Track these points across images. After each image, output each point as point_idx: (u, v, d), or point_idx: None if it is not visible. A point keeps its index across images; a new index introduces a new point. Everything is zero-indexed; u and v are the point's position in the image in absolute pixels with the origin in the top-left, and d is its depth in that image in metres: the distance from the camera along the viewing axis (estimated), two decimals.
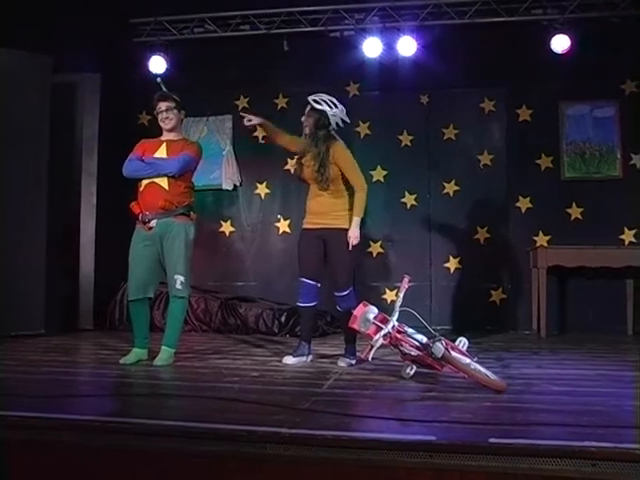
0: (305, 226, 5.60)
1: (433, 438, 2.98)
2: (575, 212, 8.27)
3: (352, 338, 5.44)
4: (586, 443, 2.90)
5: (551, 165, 8.40)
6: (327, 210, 5.48)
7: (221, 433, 3.11)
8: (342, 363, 5.38)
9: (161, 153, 5.43)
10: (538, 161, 8.41)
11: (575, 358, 5.85)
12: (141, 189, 5.39)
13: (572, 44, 7.80)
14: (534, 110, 8.47)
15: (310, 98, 5.61)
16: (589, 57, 7.89)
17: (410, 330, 4.69)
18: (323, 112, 5.55)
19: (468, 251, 8.44)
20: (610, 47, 7.81)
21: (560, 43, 7.84)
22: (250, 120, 5.69)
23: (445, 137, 8.57)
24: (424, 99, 8.62)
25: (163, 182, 5.36)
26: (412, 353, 4.64)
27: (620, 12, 7.62)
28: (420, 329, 4.76)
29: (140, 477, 3.10)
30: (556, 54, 7.89)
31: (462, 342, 4.79)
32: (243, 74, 8.77)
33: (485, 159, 8.51)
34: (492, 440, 2.95)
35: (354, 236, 5.36)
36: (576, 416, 3.48)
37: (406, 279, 4.80)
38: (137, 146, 5.53)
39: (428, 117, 8.58)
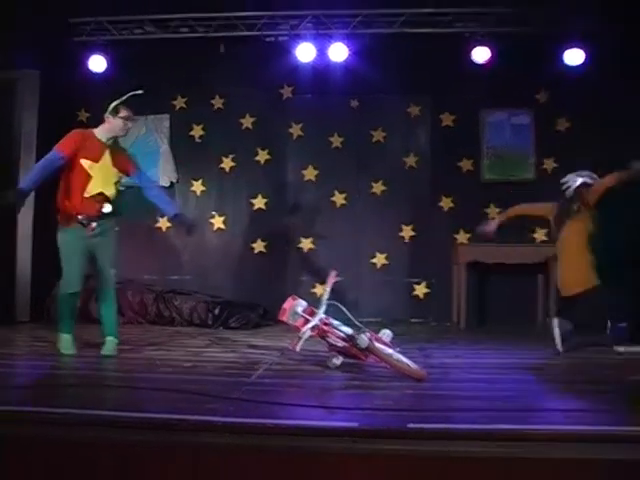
0: None
1: (356, 424, 3.02)
2: (493, 212, 8.42)
3: None
4: (497, 426, 3.00)
5: (472, 168, 8.57)
6: None
7: (155, 422, 3.08)
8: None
9: (105, 161, 5.29)
10: (460, 164, 8.57)
11: (491, 348, 6.00)
12: (87, 195, 5.21)
13: (492, 56, 7.95)
14: (456, 116, 8.61)
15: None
16: (507, 68, 8.05)
17: (336, 322, 4.72)
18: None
19: (394, 248, 8.53)
20: (526, 60, 7.97)
21: (480, 55, 7.99)
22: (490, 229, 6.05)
23: (373, 139, 8.64)
24: (354, 103, 8.66)
25: (110, 193, 5.37)
26: (338, 344, 4.68)
27: (533, 29, 7.81)
28: (346, 322, 4.80)
29: (71, 466, 3.03)
30: (477, 65, 8.03)
31: (386, 334, 4.84)
32: (181, 75, 8.66)
33: (411, 161, 8.61)
34: (411, 425, 3.00)
35: None
36: (489, 401, 3.59)
37: (333, 274, 4.84)
38: (72, 140, 5.22)
39: (358, 120, 8.63)
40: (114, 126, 5.35)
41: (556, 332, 5.41)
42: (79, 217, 5.18)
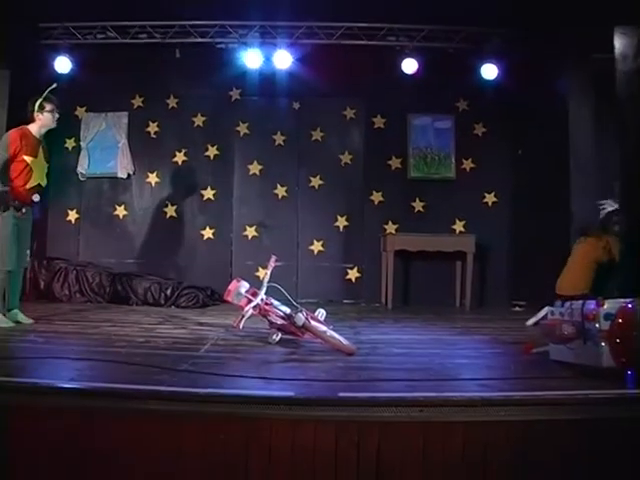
0: None
1: (292, 394, 3.03)
2: (418, 205, 8.57)
3: None
4: (416, 394, 3.05)
5: (400, 166, 8.63)
6: None
7: (106, 391, 3.03)
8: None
9: (40, 155, 5.42)
10: (389, 162, 8.63)
11: (413, 326, 6.08)
12: (28, 186, 5.31)
13: (419, 67, 7.99)
14: (387, 119, 8.66)
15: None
16: (432, 79, 8.12)
17: (276, 302, 4.73)
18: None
19: (330, 236, 8.55)
20: (449, 72, 8.06)
21: (409, 65, 8.03)
22: None
23: (313, 138, 8.63)
24: (296, 105, 8.62)
25: (44, 183, 5.49)
26: (278, 322, 4.68)
27: (455, 45, 7.92)
28: (285, 302, 4.81)
29: (29, 430, 2.96)
30: (406, 74, 8.08)
31: (320, 313, 4.88)
32: (139, 76, 8.46)
33: (346, 158, 8.63)
34: (341, 394, 3.04)
35: None
36: (410, 372, 3.65)
37: (273, 258, 4.84)
38: (17, 137, 5.30)
39: (299, 121, 8.59)
40: (45, 121, 5.43)
41: (540, 313, 5.49)
42: (15, 202, 5.24)
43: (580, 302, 3.75)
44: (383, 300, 8.05)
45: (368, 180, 8.58)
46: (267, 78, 8.24)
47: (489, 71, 7.98)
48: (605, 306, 3.58)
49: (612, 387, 3.19)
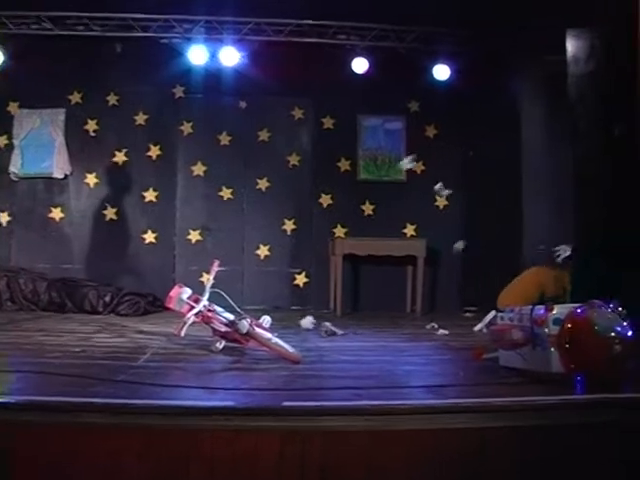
0: None
1: (232, 403, 3.00)
2: (368, 209, 8.63)
3: None
4: (362, 402, 3.06)
5: (349, 168, 8.68)
6: None
7: (37, 404, 2.94)
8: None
9: None
10: (338, 164, 8.67)
11: (362, 332, 6.10)
12: None
13: (370, 67, 8.06)
14: (336, 120, 8.69)
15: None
16: (383, 79, 8.17)
17: (219, 309, 4.70)
18: None
19: (277, 240, 8.54)
20: (400, 72, 8.15)
21: (360, 65, 8.09)
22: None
23: (259, 139, 8.60)
24: (242, 104, 8.57)
25: None
26: (221, 329, 4.64)
27: (407, 45, 8.00)
28: (229, 308, 4.77)
29: None
30: (356, 74, 8.13)
31: (266, 320, 4.87)
32: (77, 71, 8.25)
33: (294, 160, 8.63)
34: (285, 403, 3.01)
35: None
36: (357, 380, 3.66)
37: (215, 263, 4.81)
38: None
39: (245, 120, 8.54)
40: None
41: (487, 318, 5.57)
42: None
43: (529, 307, 3.82)
44: (332, 306, 8.07)
45: (317, 182, 8.61)
46: (212, 75, 8.17)
47: (441, 72, 8.11)
48: (554, 311, 3.66)
49: (561, 393, 3.25)
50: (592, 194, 5.03)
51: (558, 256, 5.80)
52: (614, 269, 4.51)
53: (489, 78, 7.83)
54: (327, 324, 5.96)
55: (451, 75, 8.10)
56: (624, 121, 4.58)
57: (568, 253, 5.62)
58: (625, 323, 3.44)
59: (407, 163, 6.81)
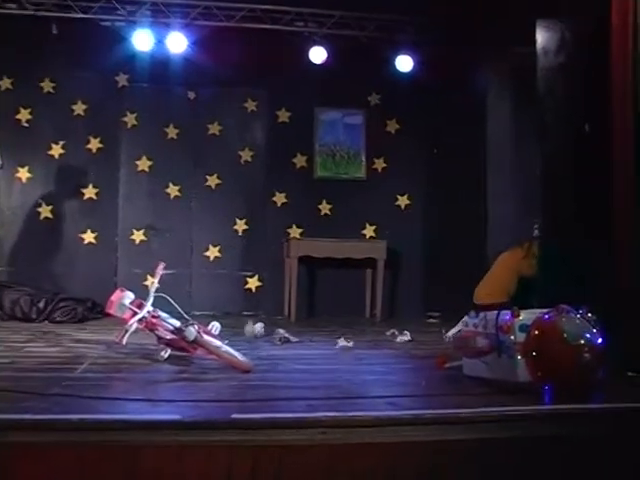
0: None
1: (178, 417, 2.96)
2: (325, 208, 8.65)
3: None
4: (318, 414, 3.04)
5: (305, 164, 8.69)
6: None
7: None
8: None
9: None
10: (294, 160, 8.67)
11: (318, 339, 6.12)
12: None
13: (328, 57, 8.06)
14: (292, 113, 8.69)
15: None
16: (342, 70, 8.20)
17: (165, 315, 4.65)
18: None
19: (227, 241, 8.49)
20: (360, 63, 8.19)
21: (318, 54, 8.08)
22: None
23: (209, 132, 8.54)
24: (191, 94, 8.50)
25: None
26: (167, 337, 4.60)
27: (368, 34, 8.04)
28: (176, 314, 4.72)
29: None
30: (314, 64, 8.13)
31: (215, 326, 4.85)
32: (8, 54, 8.04)
33: (246, 155, 8.60)
34: (235, 416, 2.99)
35: None
36: (313, 390, 3.67)
37: (161, 265, 4.77)
38: None
39: (194, 112, 8.48)
40: None
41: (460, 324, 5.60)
42: None
43: (494, 313, 3.86)
44: (286, 312, 8.07)
45: (270, 180, 8.59)
46: (159, 63, 8.07)
47: (404, 63, 8.17)
48: (520, 317, 3.71)
49: (529, 403, 3.29)
50: (559, 193, 5.12)
51: (536, 228, 5.90)
52: (580, 271, 4.59)
53: (454, 70, 7.93)
54: (281, 331, 5.95)
55: (414, 67, 8.17)
56: (595, 117, 4.67)
57: None
58: (595, 330, 3.50)
59: None
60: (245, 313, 8.24)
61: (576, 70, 5.05)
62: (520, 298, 5.43)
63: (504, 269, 5.94)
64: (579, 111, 4.91)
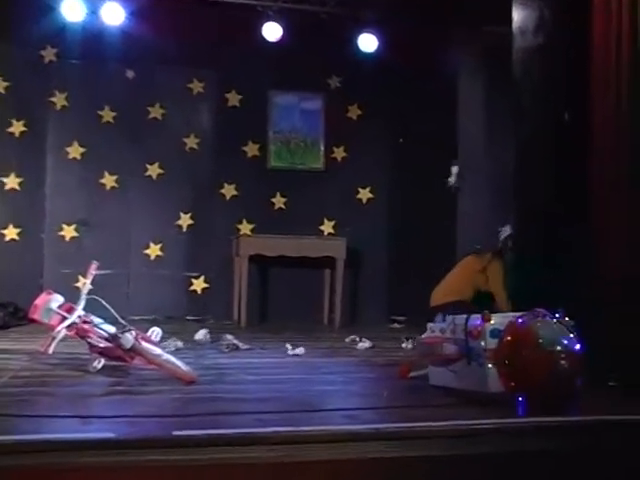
0: None
1: (111, 435, 2.92)
2: (279, 201, 8.65)
3: None
4: (268, 429, 3.05)
5: (258, 153, 8.70)
6: None
7: None
8: None
9: None
10: (245, 148, 8.66)
11: (270, 347, 6.13)
12: None
13: (284, 34, 8.03)
14: (244, 96, 8.69)
15: None
16: (300, 49, 8.23)
17: (98, 320, 4.59)
18: None
19: (170, 238, 8.47)
20: (319, 42, 8.20)
21: (272, 31, 8.04)
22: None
23: (150, 116, 8.49)
24: (130, 74, 8.43)
25: None
26: (100, 345, 4.55)
27: (328, 9, 8.04)
28: (111, 319, 4.67)
29: None
30: (268, 42, 8.09)
31: (155, 332, 4.82)
32: None
33: (192, 142, 8.57)
34: (176, 433, 2.96)
35: None
36: (263, 403, 3.68)
37: (93, 265, 4.72)
38: None
39: (133, 93, 8.42)
40: None
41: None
42: None
43: (464, 317, 3.89)
44: (235, 316, 8.06)
45: (219, 170, 8.57)
46: (92, 37, 7.96)
47: (367, 43, 8.20)
48: (492, 321, 3.75)
49: (500, 416, 3.33)
50: (535, 181, 5.19)
51: (500, 233, 6.02)
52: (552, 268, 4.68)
53: (423, 51, 8.00)
54: (229, 337, 5.94)
55: (379, 47, 8.21)
56: (575, 101, 4.74)
57: (508, 232, 5.84)
58: (572, 335, 3.55)
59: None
60: (190, 317, 8.23)
61: (555, 51, 5.11)
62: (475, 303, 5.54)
63: (461, 274, 6.07)
64: (558, 95, 4.98)
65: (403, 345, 6.20)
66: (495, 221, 6.55)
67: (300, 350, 5.67)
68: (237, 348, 5.82)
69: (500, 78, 6.27)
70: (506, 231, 5.92)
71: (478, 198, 7.40)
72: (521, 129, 5.43)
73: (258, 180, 8.59)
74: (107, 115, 8.40)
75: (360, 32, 8.17)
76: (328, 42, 8.21)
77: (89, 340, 4.59)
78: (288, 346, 5.72)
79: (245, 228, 8.51)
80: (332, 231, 8.68)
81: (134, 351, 4.37)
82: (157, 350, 4.47)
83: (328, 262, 8.15)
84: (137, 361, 4.49)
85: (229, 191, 8.59)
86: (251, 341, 6.22)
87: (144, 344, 4.45)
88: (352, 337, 6.47)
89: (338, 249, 7.98)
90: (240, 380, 4.50)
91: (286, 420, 3.23)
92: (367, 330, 6.94)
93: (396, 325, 7.93)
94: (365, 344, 6.16)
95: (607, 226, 4.48)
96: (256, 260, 7.98)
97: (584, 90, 4.63)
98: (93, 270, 4.70)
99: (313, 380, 4.56)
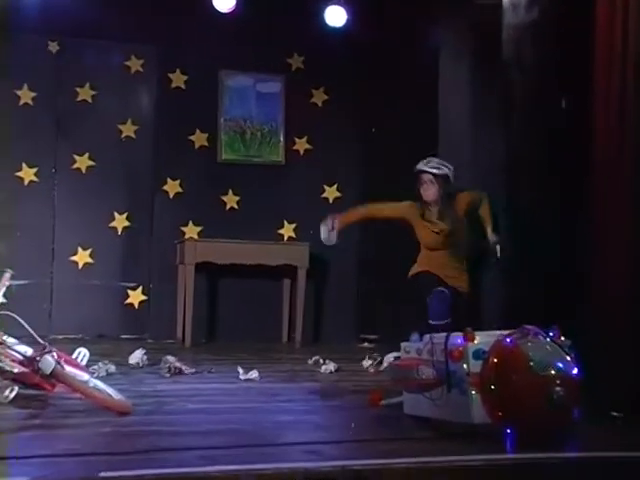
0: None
1: (25, 478, 2.87)
2: (231, 200, 8.62)
3: None
4: (214, 468, 3.03)
5: (207, 144, 8.67)
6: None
7: None
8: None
9: None
10: (192, 137, 8.63)
11: (220, 370, 6.11)
12: None
13: (238, 5, 7.98)
14: (190, 77, 8.66)
15: (426, 168, 5.88)
16: (256, 22, 8.26)
17: (12, 340, 4.50)
18: (446, 177, 5.83)
19: (102, 242, 8.40)
20: (278, 14, 8.24)
21: (224, 1, 8.00)
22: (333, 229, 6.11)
23: (79, 98, 8.42)
24: (53, 47, 8.36)
25: None
26: (14, 370, 4.45)
27: None
28: (28, 339, 4.58)
29: None
30: (219, 14, 8.04)
31: (82, 354, 4.74)
32: None
33: (128, 130, 8.53)
34: (104, 474, 2.93)
35: None
36: (209, 437, 3.67)
37: (6, 274, 4.66)
38: None
39: (58, 71, 8.36)
40: None
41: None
42: None
43: (442, 336, 3.89)
44: (179, 334, 8.05)
45: (161, 163, 8.56)
46: (7, 3, 7.84)
47: (335, 16, 8.18)
48: (475, 341, 3.74)
49: (485, 451, 3.33)
50: (526, 180, 5.22)
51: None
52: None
53: (397, 27, 8.00)
54: (171, 359, 5.89)
55: (348, 20, 8.19)
56: (573, 88, 4.77)
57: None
58: (569, 357, 3.56)
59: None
60: (124, 336, 8.19)
61: (551, 29, 5.15)
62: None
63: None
64: (553, 79, 5.01)
65: (364, 363, 6.27)
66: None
67: (254, 374, 5.64)
68: (180, 372, 5.77)
69: (487, 59, 6.31)
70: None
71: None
72: (511, 117, 5.46)
73: (207, 175, 8.58)
74: (25, 96, 8.31)
75: (326, 4, 8.16)
76: (289, 15, 8.25)
77: (0, 364, 4.52)
78: (240, 369, 5.70)
79: (191, 231, 8.48)
80: (293, 235, 8.67)
81: (55, 377, 4.27)
82: (84, 376, 4.41)
83: (288, 271, 8.17)
84: (59, 389, 4.42)
85: (173, 188, 8.55)
86: (197, 364, 6.20)
87: (68, 368, 4.37)
88: (315, 358, 6.48)
89: (300, 256, 7.97)
90: (183, 410, 4.47)
91: (236, 457, 3.22)
92: (333, 350, 6.95)
93: (366, 344, 7.93)
94: (330, 367, 6.16)
95: (610, 231, 4.50)
96: (204, 268, 7.97)
97: (584, 73, 4.65)
98: (6, 281, 4.63)
99: (269, 409, 4.55)
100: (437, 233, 5.86)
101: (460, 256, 5.88)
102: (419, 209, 5.98)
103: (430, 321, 5.54)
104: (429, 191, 5.89)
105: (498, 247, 5.70)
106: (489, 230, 5.71)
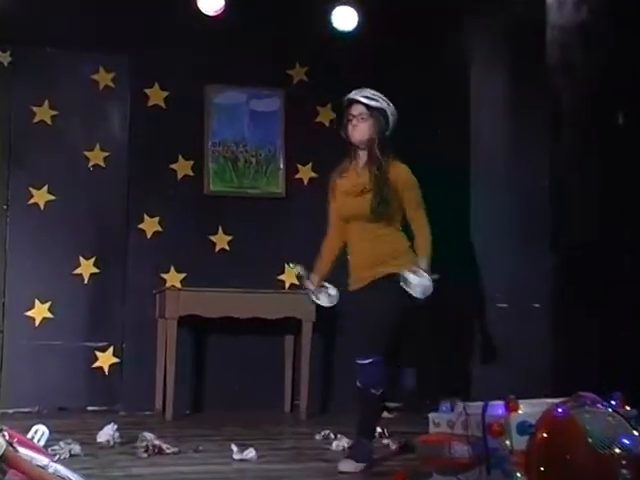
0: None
1: None
2: (221, 241, 8.61)
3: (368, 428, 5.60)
4: None
5: (192, 173, 8.69)
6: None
7: None
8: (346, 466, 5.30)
9: None
10: (173, 166, 8.65)
11: (208, 449, 6.05)
12: None
13: (227, 6, 8.05)
14: (170, 92, 8.69)
15: (358, 97, 5.68)
16: (250, 27, 8.34)
17: None
18: (384, 112, 5.70)
19: (65, 293, 8.40)
20: (277, 18, 8.33)
21: (210, 2, 8.06)
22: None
23: (36, 119, 8.46)
24: (4, 57, 8.40)
25: None
26: None
27: None
28: None
29: None
30: (205, 17, 8.10)
31: (39, 433, 4.67)
32: None
33: (97, 157, 8.57)
34: None
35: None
36: None
37: None
38: None
39: (11, 87, 8.42)
40: None
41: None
42: None
43: (479, 405, 3.83)
44: (158, 404, 8.05)
45: (136, 197, 8.57)
46: None
47: (344, 18, 8.25)
48: (519, 411, 3.68)
49: None
50: (576, 214, 5.19)
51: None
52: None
53: (420, 30, 8.02)
54: (148, 436, 5.86)
55: (359, 24, 8.24)
56: (630, 100, 4.76)
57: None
58: (635, 432, 3.49)
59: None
60: (92, 408, 8.18)
61: (602, 30, 5.14)
62: None
63: None
64: (607, 91, 4.99)
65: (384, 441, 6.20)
66: (521, 264, 6.53)
67: (250, 453, 5.60)
68: (160, 452, 5.73)
69: (528, 67, 6.31)
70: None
71: (498, 233, 7.37)
72: (557, 140, 5.44)
73: (192, 211, 8.60)
74: None
75: (334, 4, 8.21)
76: (290, 18, 8.32)
77: None
78: (234, 447, 5.66)
79: (173, 279, 8.47)
80: (296, 282, 8.62)
81: (7, 462, 4.23)
82: (42, 459, 4.34)
83: (291, 325, 8.17)
84: (11, 476, 4.37)
85: (150, 226, 8.54)
86: (180, 441, 6.17)
87: (22, 451, 4.32)
88: (325, 432, 6.45)
89: (304, 307, 7.89)
90: None
91: None
92: (345, 422, 6.85)
93: (386, 414, 7.83)
94: (343, 442, 6.13)
95: None
96: (189, 323, 7.96)
97: None
98: None
99: None
100: (356, 190, 5.71)
101: (395, 226, 5.83)
102: (337, 173, 5.89)
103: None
104: (359, 127, 5.70)
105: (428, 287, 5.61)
106: (423, 261, 5.66)
